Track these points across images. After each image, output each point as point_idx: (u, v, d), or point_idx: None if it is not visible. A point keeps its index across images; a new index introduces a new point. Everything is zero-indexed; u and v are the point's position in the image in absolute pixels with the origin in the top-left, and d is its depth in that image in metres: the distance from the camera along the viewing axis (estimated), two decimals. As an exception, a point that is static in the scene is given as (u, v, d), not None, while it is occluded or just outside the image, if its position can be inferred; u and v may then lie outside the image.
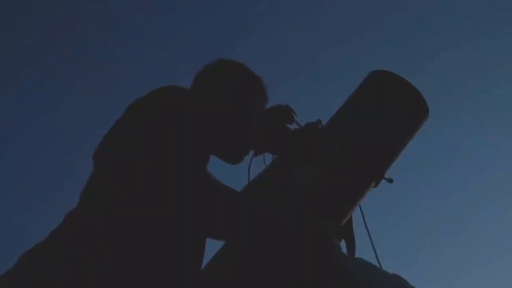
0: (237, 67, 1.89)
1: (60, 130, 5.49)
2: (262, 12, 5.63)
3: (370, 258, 1.85)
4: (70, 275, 1.45)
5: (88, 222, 1.54)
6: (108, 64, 5.57)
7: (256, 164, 1.95)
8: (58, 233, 1.57)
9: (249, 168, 1.93)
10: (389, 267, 1.79)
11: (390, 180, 1.92)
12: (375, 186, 1.92)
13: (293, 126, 1.96)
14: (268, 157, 1.94)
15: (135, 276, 1.50)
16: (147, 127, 1.57)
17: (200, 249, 1.66)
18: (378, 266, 1.80)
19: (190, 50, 5.45)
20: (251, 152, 1.93)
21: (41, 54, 5.44)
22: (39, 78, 5.45)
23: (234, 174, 1.93)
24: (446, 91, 5.30)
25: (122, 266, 1.49)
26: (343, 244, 1.87)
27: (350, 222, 1.91)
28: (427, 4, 5.52)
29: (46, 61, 5.47)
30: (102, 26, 5.56)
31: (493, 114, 5.44)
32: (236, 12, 5.66)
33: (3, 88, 5.40)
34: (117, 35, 5.58)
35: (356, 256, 1.87)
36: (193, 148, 1.59)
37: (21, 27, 5.36)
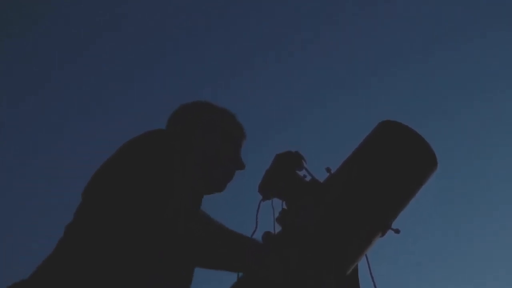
0: (209, 106, 2.03)
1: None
2: (275, 57, 5.70)
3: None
4: None
5: (76, 260, 1.60)
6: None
7: (265, 208, 1.96)
8: (45, 271, 1.62)
9: (257, 212, 1.94)
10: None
11: (397, 231, 1.92)
12: (382, 236, 1.92)
13: (302, 173, 1.97)
14: (276, 202, 1.95)
15: None
16: (138, 169, 1.67)
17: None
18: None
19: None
20: (259, 198, 1.95)
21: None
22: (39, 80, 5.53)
23: (243, 219, 1.94)
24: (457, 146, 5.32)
25: None
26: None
27: (355, 271, 1.91)
28: (441, 54, 5.58)
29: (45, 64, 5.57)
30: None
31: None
32: (248, 56, 5.74)
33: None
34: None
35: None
36: (182, 187, 1.72)
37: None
